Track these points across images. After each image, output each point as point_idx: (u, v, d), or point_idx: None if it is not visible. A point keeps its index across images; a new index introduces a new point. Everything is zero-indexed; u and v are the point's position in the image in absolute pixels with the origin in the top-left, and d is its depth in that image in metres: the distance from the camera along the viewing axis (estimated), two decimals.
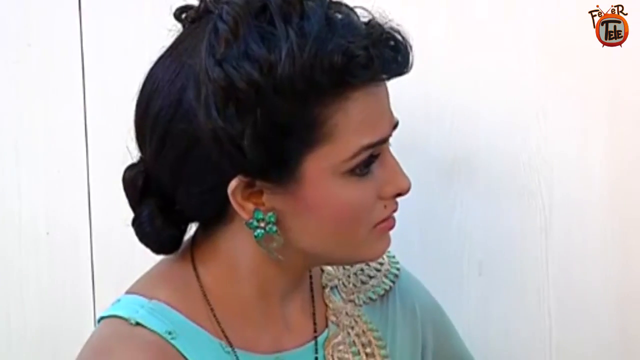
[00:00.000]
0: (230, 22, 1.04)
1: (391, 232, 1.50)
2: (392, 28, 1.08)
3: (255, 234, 1.08)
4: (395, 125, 1.12)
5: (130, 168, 1.15)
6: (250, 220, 1.08)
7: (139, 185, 1.13)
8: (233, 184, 1.06)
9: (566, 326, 1.52)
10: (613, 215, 1.49)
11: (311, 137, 1.04)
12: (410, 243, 1.53)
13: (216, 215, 1.11)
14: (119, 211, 1.58)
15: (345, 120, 1.05)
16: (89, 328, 1.60)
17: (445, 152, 1.53)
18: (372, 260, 1.21)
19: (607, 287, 1.51)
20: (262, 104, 1.02)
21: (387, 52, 1.05)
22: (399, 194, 1.12)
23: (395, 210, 1.13)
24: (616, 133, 1.47)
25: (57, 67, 1.63)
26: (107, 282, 1.64)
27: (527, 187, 1.51)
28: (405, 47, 1.08)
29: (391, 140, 1.13)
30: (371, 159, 1.09)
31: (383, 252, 1.16)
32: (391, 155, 1.12)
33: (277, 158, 1.05)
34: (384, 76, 1.07)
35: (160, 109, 1.07)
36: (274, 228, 1.08)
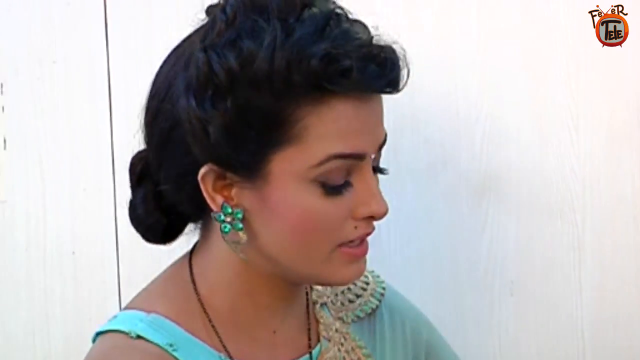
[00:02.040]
0: (229, 14, 1.05)
1: (421, 252, 1.51)
2: (390, 48, 1.06)
3: (222, 227, 1.08)
4: (381, 146, 1.10)
5: (136, 155, 1.17)
6: (218, 213, 1.08)
7: (138, 169, 1.16)
8: (203, 170, 1.07)
9: (600, 347, 1.51)
10: None
11: (279, 136, 1.04)
12: (440, 263, 1.52)
13: (197, 209, 1.12)
14: None
15: (317, 124, 1.04)
16: None
17: (476, 171, 1.52)
18: (336, 284, 1.19)
19: None
20: (235, 93, 1.03)
21: (371, 67, 1.04)
22: (372, 217, 1.10)
23: (368, 234, 1.11)
24: None
25: (82, 84, 1.62)
26: None
27: (559, 206, 1.51)
28: (396, 67, 1.06)
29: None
30: (346, 184, 1.07)
31: (349, 280, 1.13)
32: (371, 176, 1.09)
33: (242, 150, 1.05)
34: (368, 90, 1.05)
35: (157, 91, 1.11)
36: (240, 225, 1.08)
